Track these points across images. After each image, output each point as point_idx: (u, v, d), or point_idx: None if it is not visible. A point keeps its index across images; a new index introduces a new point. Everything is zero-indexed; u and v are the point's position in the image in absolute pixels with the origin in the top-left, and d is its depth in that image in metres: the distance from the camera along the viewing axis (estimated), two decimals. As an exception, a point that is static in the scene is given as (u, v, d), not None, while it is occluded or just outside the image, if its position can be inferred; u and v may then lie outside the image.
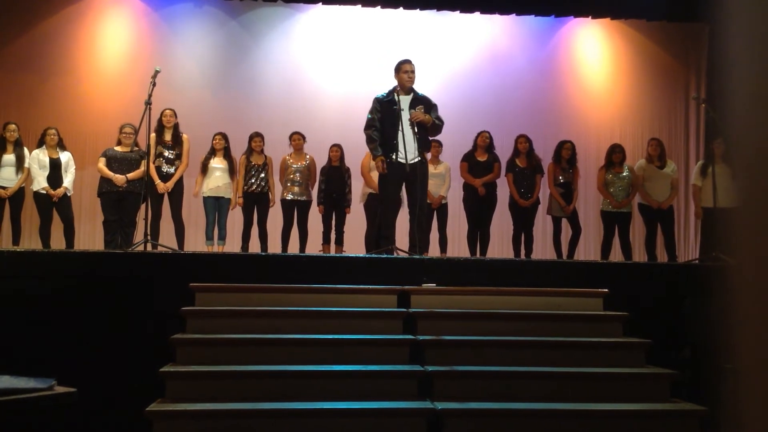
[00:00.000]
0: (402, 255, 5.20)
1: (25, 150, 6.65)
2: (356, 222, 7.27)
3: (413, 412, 3.29)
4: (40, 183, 6.51)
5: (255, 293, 4.06)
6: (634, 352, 3.83)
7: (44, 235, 6.55)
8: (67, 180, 6.64)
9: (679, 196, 8.71)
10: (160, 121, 6.53)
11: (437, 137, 7.07)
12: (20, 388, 2.43)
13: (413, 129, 5.40)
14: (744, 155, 0.81)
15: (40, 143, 6.65)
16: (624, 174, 6.91)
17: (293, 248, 6.99)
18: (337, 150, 7.16)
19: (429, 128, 5.51)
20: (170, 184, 6.48)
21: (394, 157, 5.38)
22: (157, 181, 6.46)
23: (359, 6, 9.29)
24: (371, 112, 5.53)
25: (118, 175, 6.33)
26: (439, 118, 5.56)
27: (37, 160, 6.55)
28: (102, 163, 6.43)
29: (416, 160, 5.39)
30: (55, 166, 6.58)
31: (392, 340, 3.78)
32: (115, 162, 6.41)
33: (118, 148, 6.51)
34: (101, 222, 6.54)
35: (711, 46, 9.51)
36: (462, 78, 9.36)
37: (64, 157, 6.67)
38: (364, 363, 3.58)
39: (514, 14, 9.53)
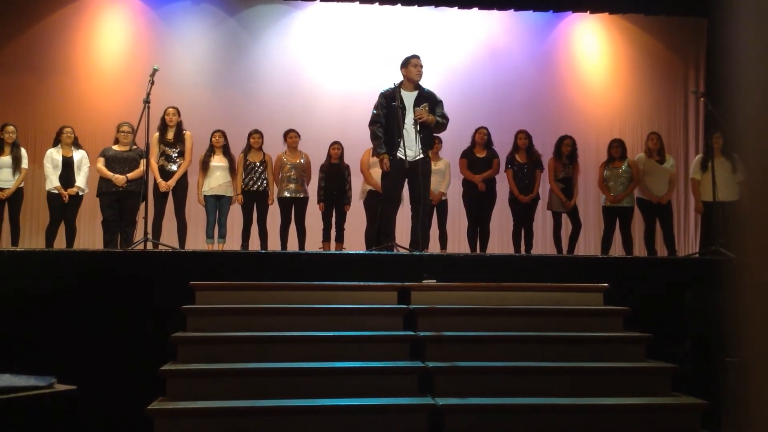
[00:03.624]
0: (402, 252, 5.20)
1: (23, 151, 6.64)
2: (356, 219, 7.26)
3: (414, 408, 3.30)
4: (53, 182, 6.47)
5: (255, 291, 4.06)
6: (634, 347, 3.84)
7: (50, 234, 6.49)
8: (80, 179, 6.57)
9: (678, 191, 8.70)
10: (163, 119, 6.52)
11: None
12: (20, 386, 2.44)
13: (416, 128, 5.37)
14: (753, 151, 0.81)
15: (56, 142, 6.62)
16: (623, 168, 6.90)
17: (292, 246, 6.98)
18: (337, 147, 7.16)
19: (433, 127, 5.49)
20: (172, 182, 6.48)
21: (396, 153, 5.37)
22: (159, 179, 6.45)
23: (357, 3, 9.28)
24: (376, 107, 5.48)
25: (118, 176, 6.31)
26: (443, 116, 5.53)
27: (51, 159, 6.52)
28: (101, 164, 6.40)
29: (419, 157, 5.38)
30: (68, 165, 6.54)
31: (393, 336, 3.78)
32: (114, 162, 6.39)
33: (116, 148, 6.50)
34: (100, 222, 6.53)
35: (710, 39, 9.49)
36: (460, 74, 9.34)
37: (78, 155, 6.61)
38: (364, 360, 3.59)
39: (512, 10, 9.50)
